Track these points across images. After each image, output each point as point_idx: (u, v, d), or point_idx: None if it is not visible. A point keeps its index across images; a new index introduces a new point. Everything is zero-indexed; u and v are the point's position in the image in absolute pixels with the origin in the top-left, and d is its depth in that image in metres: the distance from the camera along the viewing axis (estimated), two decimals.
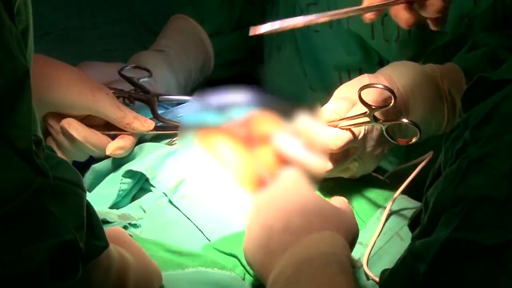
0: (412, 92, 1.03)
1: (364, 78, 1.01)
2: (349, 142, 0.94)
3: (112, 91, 1.04)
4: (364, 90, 0.92)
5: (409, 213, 1.02)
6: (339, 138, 0.93)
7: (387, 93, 0.93)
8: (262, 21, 1.37)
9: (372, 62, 1.23)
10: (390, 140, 0.97)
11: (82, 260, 0.61)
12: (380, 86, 0.92)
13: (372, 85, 0.93)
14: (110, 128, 1.03)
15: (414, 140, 0.96)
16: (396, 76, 1.04)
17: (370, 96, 0.94)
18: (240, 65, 1.42)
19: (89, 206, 0.63)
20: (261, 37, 1.38)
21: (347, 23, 1.21)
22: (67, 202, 0.60)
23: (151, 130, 1.04)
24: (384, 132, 0.96)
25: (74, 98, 0.98)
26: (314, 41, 1.28)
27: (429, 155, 1.02)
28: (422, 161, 1.01)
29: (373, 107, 0.93)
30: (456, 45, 1.15)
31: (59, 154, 1.01)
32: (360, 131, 0.98)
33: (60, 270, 0.58)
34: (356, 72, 1.24)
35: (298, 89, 1.34)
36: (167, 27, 1.31)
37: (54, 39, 1.66)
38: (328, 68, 1.28)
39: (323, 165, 0.79)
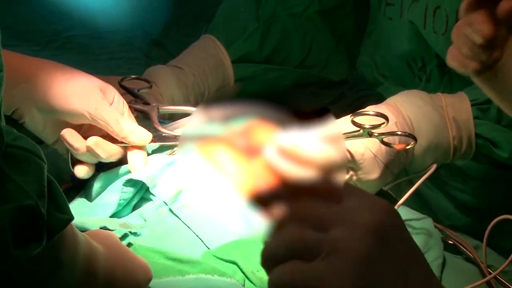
0: (417, 121, 1.04)
1: (366, 110, 1.03)
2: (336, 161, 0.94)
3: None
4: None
5: (409, 224, 1.03)
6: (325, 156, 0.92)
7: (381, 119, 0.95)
8: (302, 61, 1.39)
9: (430, 52, 1.23)
10: (387, 146, 0.98)
11: (47, 232, 0.61)
12: (371, 112, 0.94)
13: (363, 112, 0.94)
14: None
15: (410, 146, 0.97)
16: (402, 105, 1.06)
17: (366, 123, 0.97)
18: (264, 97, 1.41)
19: (51, 181, 0.63)
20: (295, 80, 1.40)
21: (407, 11, 1.22)
22: (27, 171, 0.60)
23: (150, 142, 1.04)
24: (380, 142, 0.97)
25: (76, 108, 0.99)
26: (387, 28, 1.30)
27: (432, 168, 1.03)
28: (426, 173, 1.02)
29: (366, 126, 0.94)
30: None
31: (81, 170, 1.03)
32: (356, 152, 0.99)
33: (23, 237, 0.58)
34: (419, 59, 1.25)
35: (375, 78, 1.36)
36: (193, 44, 1.32)
37: (57, 47, 1.67)
38: (395, 56, 1.30)
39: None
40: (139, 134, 1.03)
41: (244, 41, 1.32)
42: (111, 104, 1.03)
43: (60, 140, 1.02)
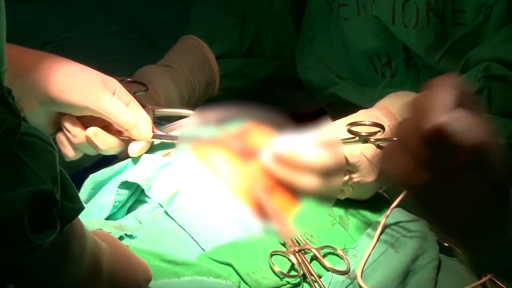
0: None
1: (358, 115, 1.03)
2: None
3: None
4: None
5: (404, 226, 1.03)
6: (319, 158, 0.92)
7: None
8: (276, 53, 1.42)
9: (397, 46, 1.24)
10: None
11: (60, 220, 0.61)
12: (367, 122, 0.94)
13: (359, 122, 0.95)
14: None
15: None
16: (394, 107, 1.06)
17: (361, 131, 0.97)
18: (249, 92, 1.43)
19: (61, 170, 0.63)
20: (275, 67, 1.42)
21: (371, 8, 1.23)
22: (40, 158, 0.60)
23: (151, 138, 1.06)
24: (376, 147, 0.97)
25: (79, 101, 1.00)
26: (344, 29, 1.31)
27: None
28: None
29: (362, 134, 0.94)
30: (474, 38, 1.15)
31: (71, 150, 1.04)
32: (352, 155, 0.98)
33: (38, 222, 0.58)
34: (384, 55, 1.26)
35: (328, 79, 1.37)
36: (176, 45, 1.34)
37: (54, 48, 1.67)
38: (356, 55, 1.31)
39: (309, 183, 0.79)
40: (142, 130, 1.04)
41: (226, 38, 1.35)
42: (113, 95, 1.03)
43: (60, 130, 1.03)
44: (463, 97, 0.66)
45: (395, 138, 0.98)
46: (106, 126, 1.04)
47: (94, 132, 1.01)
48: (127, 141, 1.05)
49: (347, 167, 1.00)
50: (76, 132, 1.02)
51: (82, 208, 0.65)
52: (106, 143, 1.03)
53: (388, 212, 1.02)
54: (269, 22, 1.41)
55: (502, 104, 1.09)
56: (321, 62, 1.38)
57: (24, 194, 0.57)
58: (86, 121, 1.03)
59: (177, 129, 1.13)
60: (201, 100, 1.32)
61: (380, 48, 1.26)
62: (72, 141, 1.02)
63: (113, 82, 1.04)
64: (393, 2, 1.20)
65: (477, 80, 1.08)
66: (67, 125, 1.02)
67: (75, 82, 1.00)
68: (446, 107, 0.65)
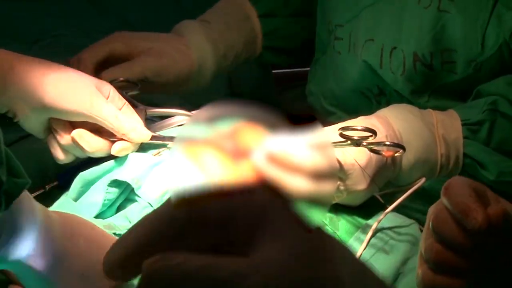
0: (406, 135, 1.04)
1: (356, 121, 1.02)
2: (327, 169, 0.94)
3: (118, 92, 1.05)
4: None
5: (394, 229, 1.03)
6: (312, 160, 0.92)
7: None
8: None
9: (386, 83, 1.23)
10: (375, 153, 0.98)
11: (5, 198, 0.61)
12: (359, 127, 0.94)
13: (351, 127, 0.94)
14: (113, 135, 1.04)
15: (398, 154, 0.97)
16: (392, 118, 1.05)
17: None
18: (290, 55, 1.43)
19: (6, 149, 0.63)
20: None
21: (361, 53, 1.22)
22: None
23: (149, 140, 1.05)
24: (367, 149, 0.97)
25: (72, 107, 0.99)
26: (337, 62, 1.30)
27: (421, 181, 1.02)
28: (415, 185, 1.02)
29: (354, 138, 0.94)
30: (467, 81, 1.14)
31: (60, 152, 1.03)
32: (345, 161, 0.98)
33: None
34: (375, 88, 1.24)
35: (325, 106, 1.36)
36: (218, 2, 1.34)
37: (44, 46, 1.66)
38: (347, 88, 1.29)
39: (302, 185, 0.79)
40: (140, 132, 1.03)
41: None
42: (107, 99, 1.03)
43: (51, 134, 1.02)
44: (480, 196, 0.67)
45: (387, 142, 0.98)
46: (98, 129, 1.03)
47: (79, 134, 1.01)
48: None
49: (339, 174, 0.99)
50: (63, 133, 1.02)
51: (27, 182, 0.66)
52: (92, 145, 1.02)
53: (381, 217, 1.01)
54: None
55: (502, 140, 1.08)
56: (319, 90, 1.37)
57: None
58: (78, 124, 1.02)
59: (169, 126, 1.12)
60: (240, 59, 1.32)
61: (368, 84, 1.25)
62: (60, 142, 1.02)
63: (107, 86, 1.04)
64: (381, 47, 1.19)
65: (482, 111, 1.07)
66: (56, 126, 1.02)
67: (68, 89, 0.99)
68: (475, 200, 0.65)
